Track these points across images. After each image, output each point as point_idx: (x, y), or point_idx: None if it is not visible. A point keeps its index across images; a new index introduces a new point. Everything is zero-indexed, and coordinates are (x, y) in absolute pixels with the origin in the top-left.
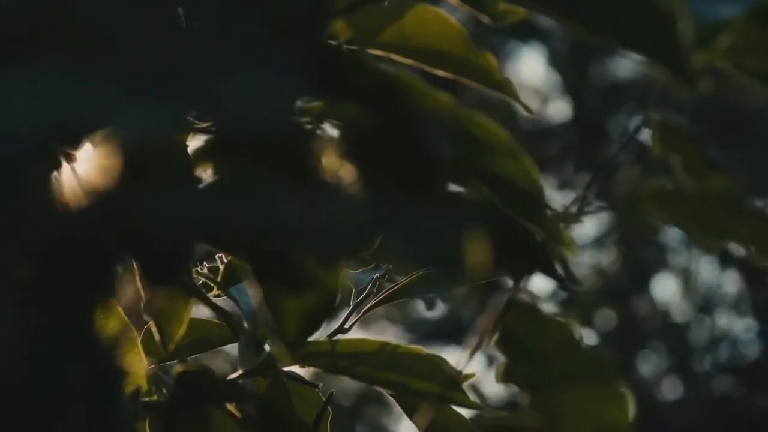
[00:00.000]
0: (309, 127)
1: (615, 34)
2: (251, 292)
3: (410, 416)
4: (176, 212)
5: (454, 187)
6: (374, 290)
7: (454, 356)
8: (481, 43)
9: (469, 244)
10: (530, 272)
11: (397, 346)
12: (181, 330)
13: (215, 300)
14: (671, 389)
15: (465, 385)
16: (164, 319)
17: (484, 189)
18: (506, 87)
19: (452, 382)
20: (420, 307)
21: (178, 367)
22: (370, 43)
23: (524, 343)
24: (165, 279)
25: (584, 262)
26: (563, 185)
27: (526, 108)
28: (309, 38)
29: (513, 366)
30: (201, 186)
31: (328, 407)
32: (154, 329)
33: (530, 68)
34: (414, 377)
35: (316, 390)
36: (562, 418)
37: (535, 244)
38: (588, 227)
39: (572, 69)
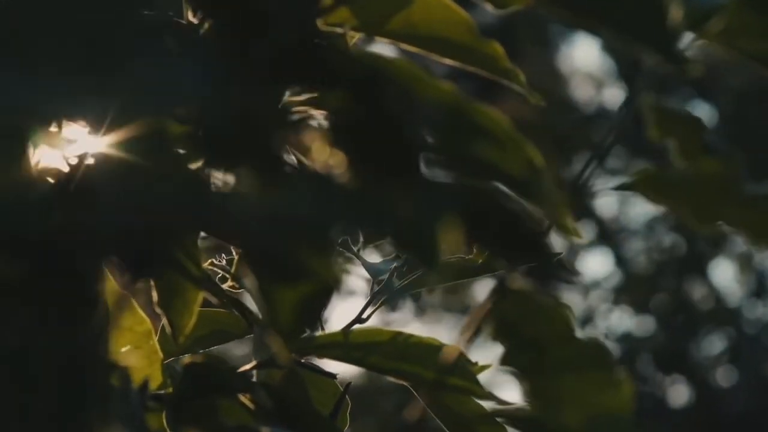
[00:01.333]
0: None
1: (601, 18)
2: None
3: (429, 405)
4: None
5: (441, 175)
6: (393, 280)
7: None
8: (536, 30)
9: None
10: (525, 260)
11: (409, 336)
12: (191, 322)
13: (232, 291)
14: (726, 375)
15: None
16: (174, 312)
17: (483, 176)
18: (513, 75)
19: (467, 372)
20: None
21: (186, 359)
22: (377, 31)
23: (521, 331)
24: (146, 271)
25: (638, 247)
26: (617, 172)
27: (534, 97)
28: (291, 29)
29: (511, 354)
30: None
31: (347, 397)
32: (165, 322)
33: (585, 54)
34: (427, 368)
35: (334, 380)
36: (562, 405)
37: (531, 232)
38: (644, 209)
39: (626, 54)
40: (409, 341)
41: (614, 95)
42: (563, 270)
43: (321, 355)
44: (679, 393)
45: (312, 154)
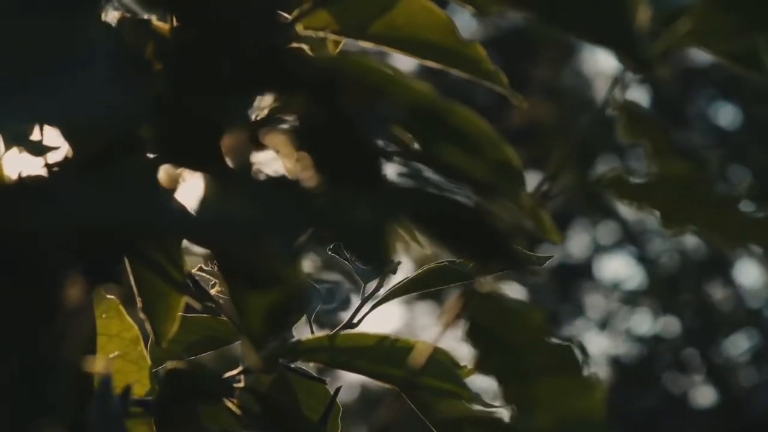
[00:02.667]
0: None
1: (569, 22)
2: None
3: (419, 408)
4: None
5: (412, 175)
6: (383, 284)
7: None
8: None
9: (396, 233)
10: (492, 262)
11: (396, 340)
12: (174, 328)
13: (220, 297)
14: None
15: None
16: (157, 317)
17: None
18: (495, 77)
19: (453, 375)
20: None
21: (168, 365)
22: (359, 34)
23: (493, 334)
24: (102, 276)
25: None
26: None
27: (516, 99)
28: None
29: (484, 358)
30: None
31: (337, 402)
32: (148, 327)
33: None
34: (413, 371)
35: (324, 385)
36: (535, 409)
37: (497, 233)
38: None
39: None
40: (396, 345)
41: (637, 96)
42: (528, 271)
43: (308, 359)
44: (702, 394)
45: (277, 158)
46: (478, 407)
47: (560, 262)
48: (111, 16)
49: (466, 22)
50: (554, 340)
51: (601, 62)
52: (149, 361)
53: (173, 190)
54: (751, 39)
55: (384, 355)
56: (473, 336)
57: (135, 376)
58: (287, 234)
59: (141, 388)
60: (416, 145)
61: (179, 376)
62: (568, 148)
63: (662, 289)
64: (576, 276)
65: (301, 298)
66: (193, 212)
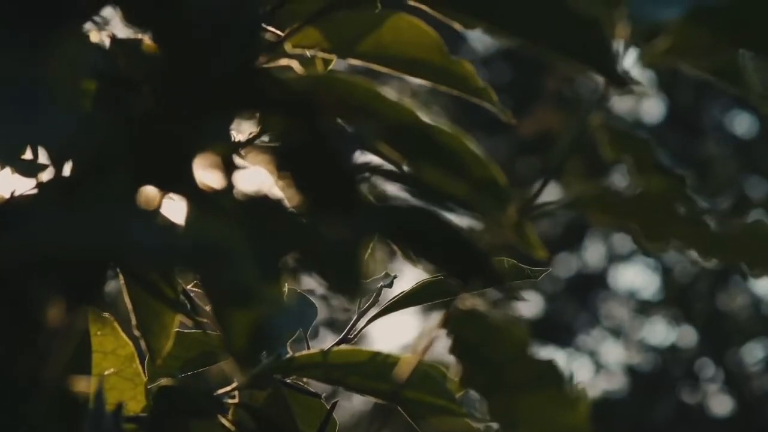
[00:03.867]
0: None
1: (546, 42)
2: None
3: (416, 424)
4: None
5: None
6: (378, 299)
7: (553, 355)
8: None
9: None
10: (473, 280)
11: (388, 356)
12: (169, 344)
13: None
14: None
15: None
16: (152, 334)
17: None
18: (484, 93)
19: (444, 390)
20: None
21: (161, 382)
22: (348, 53)
23: (477, 350)
24: (80, 299)
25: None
26: None
27: (506, 115)
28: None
29: (469, 373)
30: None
31: (333, 417)
32: (143, 344)
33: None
34: (406, 387)
35: (319, 400)
36: (520, 424)
37: (477, 251)
38: None
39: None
40: (388, 361)
41: (654, 106)
42: (507, 288)
43: (301, 375)
44: (717, 403)
45: (261, 177)
46: (468, 422)
47: (577, 271)
48: (99, 36)
49: (478, 34)
50: (537, 355)
51: None
52: (144, 378)
53: (154, 211)
54: (729, 55)
55: (377, 370)
56: (458, 352)
57: (130, 393)
58: (266, 255)
59: (136, 405)
60: (402, 163)
61: (170, 393)
62: (551, 166)
63: (677, 298)
64: (592, 285)
65: (283, 317)
66: (170, 234)
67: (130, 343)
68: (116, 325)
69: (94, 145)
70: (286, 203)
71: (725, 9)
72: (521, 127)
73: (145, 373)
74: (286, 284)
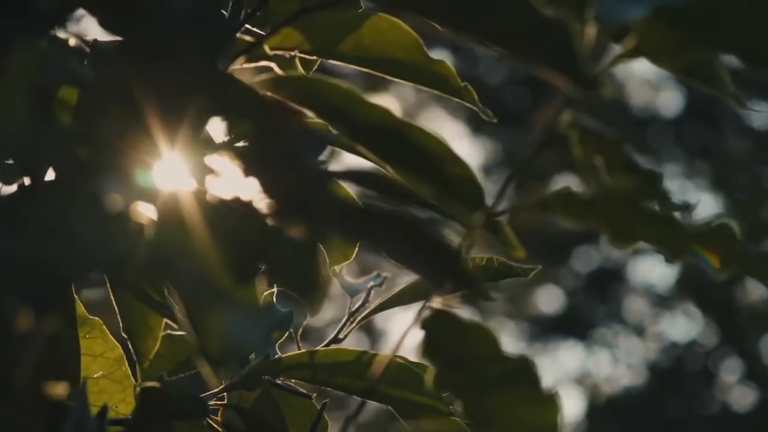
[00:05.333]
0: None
1: (511, 45)
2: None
3: (408, 423)
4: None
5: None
6: (369, 300)
7: (573, 351)
8: None
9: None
10: (445, 281)
11: (374, 356)
12: (155, 347)
13: None
14: None
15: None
16: (139, 337)
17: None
18: (464, 93)
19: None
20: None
21: (143, 385)
22: (329, 54)
23: (449, 351)
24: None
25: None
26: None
27: (486, 114)
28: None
29: (442, 374)
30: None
31: (324, 417)
32: (130, 347)
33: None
34: (392, 386)
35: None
36: (493, 423)
37: (451, 253)
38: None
39: None
40: (374, 360)
41: (670, 100)
42: (480, 289)
43: (288, 377)
44: (738, 397)
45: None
46: (459, 421)
47: (598, 265)
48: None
49: None
50: (509, 355)
51: (633, 67)
52: (133, 381)
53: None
54: (698, 54)
55: (363, 370)
56: (430, 353)
57: (120, 395)
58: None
59: (126, 407)
60: (378, 163)
61: (153, 396)
62: (517, 167)
63: (697, 291)
64: (612, 279)
65: (257, 320)
66: (122, 245)
67: (119, 346)
68: (104, 328)
69: (37, 156)
70: (257, 206)
71: (690, 8)
72: (538, 122)
73: (136, 375)
74: (260, 287)
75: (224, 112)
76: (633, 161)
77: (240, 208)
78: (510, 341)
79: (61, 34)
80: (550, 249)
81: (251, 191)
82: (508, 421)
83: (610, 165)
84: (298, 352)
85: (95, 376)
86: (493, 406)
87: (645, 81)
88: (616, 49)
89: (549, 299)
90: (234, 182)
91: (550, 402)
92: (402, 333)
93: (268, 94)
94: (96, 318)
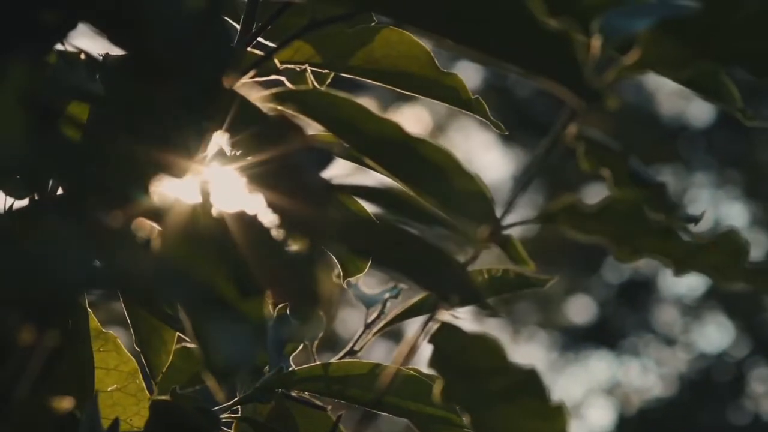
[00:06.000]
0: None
1: (515, 59)
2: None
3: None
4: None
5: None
6: (384, 311)
7: (604, 361)
8: None
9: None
10: (450, 295)
11: (387, 368)
12: (168, 360)
13: None
14: None
15: None
16: (152, 350)
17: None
18: (475, 105)
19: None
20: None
21: (154, 398)
22: (340, 67)
23: (456, 363)
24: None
25: None
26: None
27: (497, 126)
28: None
29: (450, 387)
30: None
31: (341, 428)
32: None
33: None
34: (405, 398)
35: (325, 413)
36: None
37: (455, 265)
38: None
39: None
40: (390, 373)
41: (701, 109)
42: (486, 302)
43: (302, 389)
44: None
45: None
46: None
47: (629, 276)
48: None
49: None
50: (516, 367)
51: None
52: (148, 394)
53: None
54: (703, 67)
55: (377, 383)
56: (438, 365)
57: (134, 408)
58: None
59: (140, 420)
60: (387, 176)
61: (163, 409)
62: (524, 177)
63: (728, 300)
64: (643, 289)
65: (264, 331)
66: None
67: (133, 360)
68: (118, 341)
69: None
70: (262, 220)
71: (694, 20)
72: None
73: (152, 388)
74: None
75: (227, 127)
76: (639, 173)
77: (244, 222)
78: (542, 351)
79: (71, 48)
80: (582, 259)
81: (256, 206)
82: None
83: (615, 177)
84: (312, 364)
85: (109, 389)
86: (500, 418)
87: (675, 90)
88: (622, 61)
89: (581, 309)
90: (239, 197)
91: (557, 413)
92: (407, 346)
93: (272, 108)
94: (110, 332)
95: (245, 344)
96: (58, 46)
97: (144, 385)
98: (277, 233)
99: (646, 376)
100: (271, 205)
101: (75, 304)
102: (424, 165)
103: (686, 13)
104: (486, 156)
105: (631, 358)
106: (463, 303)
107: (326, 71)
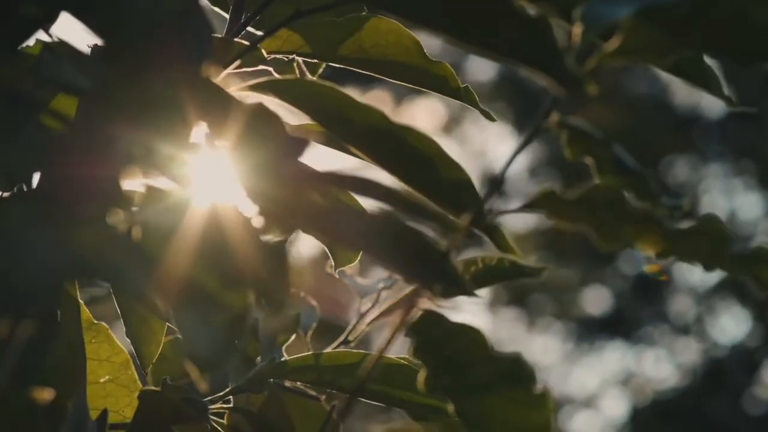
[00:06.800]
0: None
1: (495, 47)
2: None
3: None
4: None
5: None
6: (379, 301)
7: (619, 352)
8: None
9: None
10: (433, 282)
11: (379, 358)
12: (158, 351)
13: None
14: None
15: None
16: (142, 341)
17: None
18: (464, 94)
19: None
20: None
21: (144, 388)
22: (329, 57)
23: (440, 353)
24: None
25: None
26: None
27: (488, 115)
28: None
29: (434, 376)
30: None
31: (334, 418)
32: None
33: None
34: (396, 387)
35: (320, 402)
36: (486, 424)
37: (438, 254)
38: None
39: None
40: (379, 362)
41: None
42: (465, 289)
43: (294, 379)
44: None
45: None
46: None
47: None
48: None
49: None
50: (500, 356)
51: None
52: (140, 385)
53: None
54: (686, 54)
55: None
56: (422, 355)
57: (126, 399)
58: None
59: (132, 411)
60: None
61: (152, 399)
62: (503, 168)
63: (742, 290)
64: (658, 281)
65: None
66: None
67: (125, 351)
68: (110, 332)
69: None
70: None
71: (676, 7)
72: (550, 119)
73: (144, 378)
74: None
75: (205, 117)
76: (622, 161)
77: (223, 211)
78: (557, 341)
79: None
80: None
81: (236, 195)
82: (499, 421)
83: (599, 165)
84: (304, 354)
85: (101, 380)
86: (484, 406)
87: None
88: (604, 48)
89: (596, 300)
90: (218, 186)
91: (542, 401)
92: (389, 335)
93: (250, 98)
94: (102, 323)
95: (225, 334)
96: (42, 37)
97: (136, 376)
98: (256, 221)
99: (661, 366)
100: (250, 194)
101: (57, 294)
102: (409, 154)
103: (668, 1)
104: (500, 147)
105: (645, 349)
106: (445, 291)
107: (316, 61)
